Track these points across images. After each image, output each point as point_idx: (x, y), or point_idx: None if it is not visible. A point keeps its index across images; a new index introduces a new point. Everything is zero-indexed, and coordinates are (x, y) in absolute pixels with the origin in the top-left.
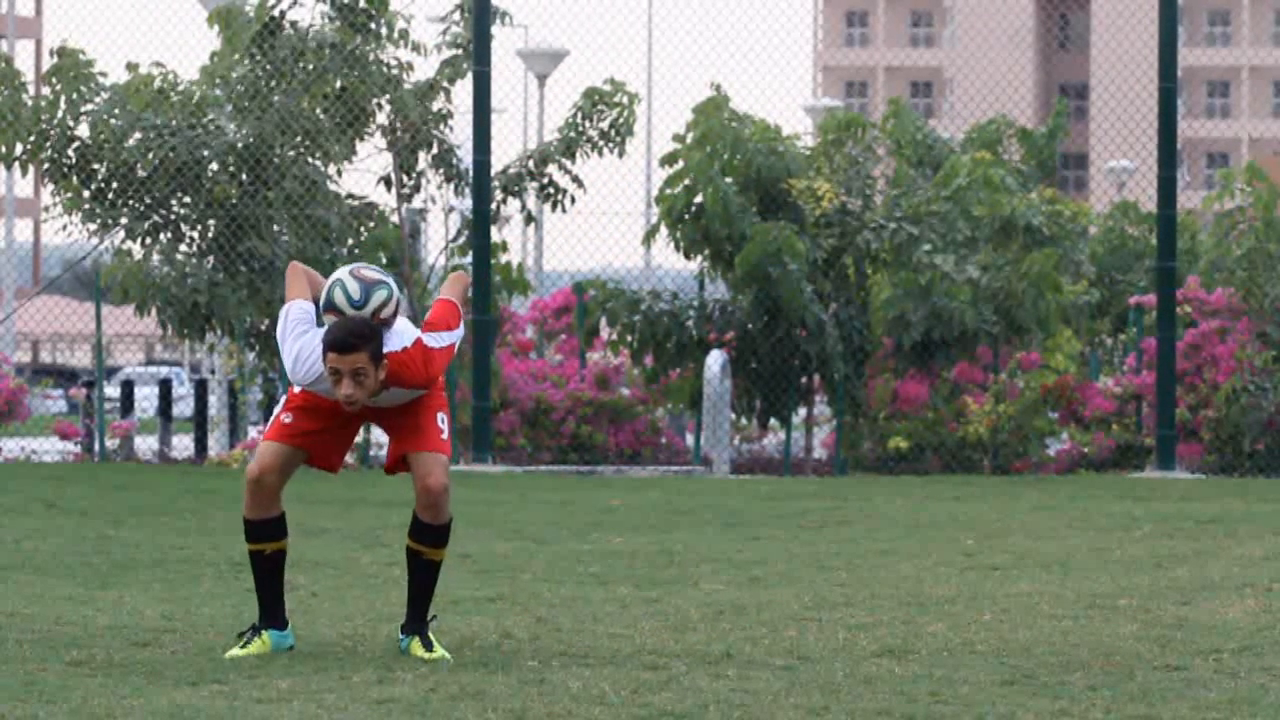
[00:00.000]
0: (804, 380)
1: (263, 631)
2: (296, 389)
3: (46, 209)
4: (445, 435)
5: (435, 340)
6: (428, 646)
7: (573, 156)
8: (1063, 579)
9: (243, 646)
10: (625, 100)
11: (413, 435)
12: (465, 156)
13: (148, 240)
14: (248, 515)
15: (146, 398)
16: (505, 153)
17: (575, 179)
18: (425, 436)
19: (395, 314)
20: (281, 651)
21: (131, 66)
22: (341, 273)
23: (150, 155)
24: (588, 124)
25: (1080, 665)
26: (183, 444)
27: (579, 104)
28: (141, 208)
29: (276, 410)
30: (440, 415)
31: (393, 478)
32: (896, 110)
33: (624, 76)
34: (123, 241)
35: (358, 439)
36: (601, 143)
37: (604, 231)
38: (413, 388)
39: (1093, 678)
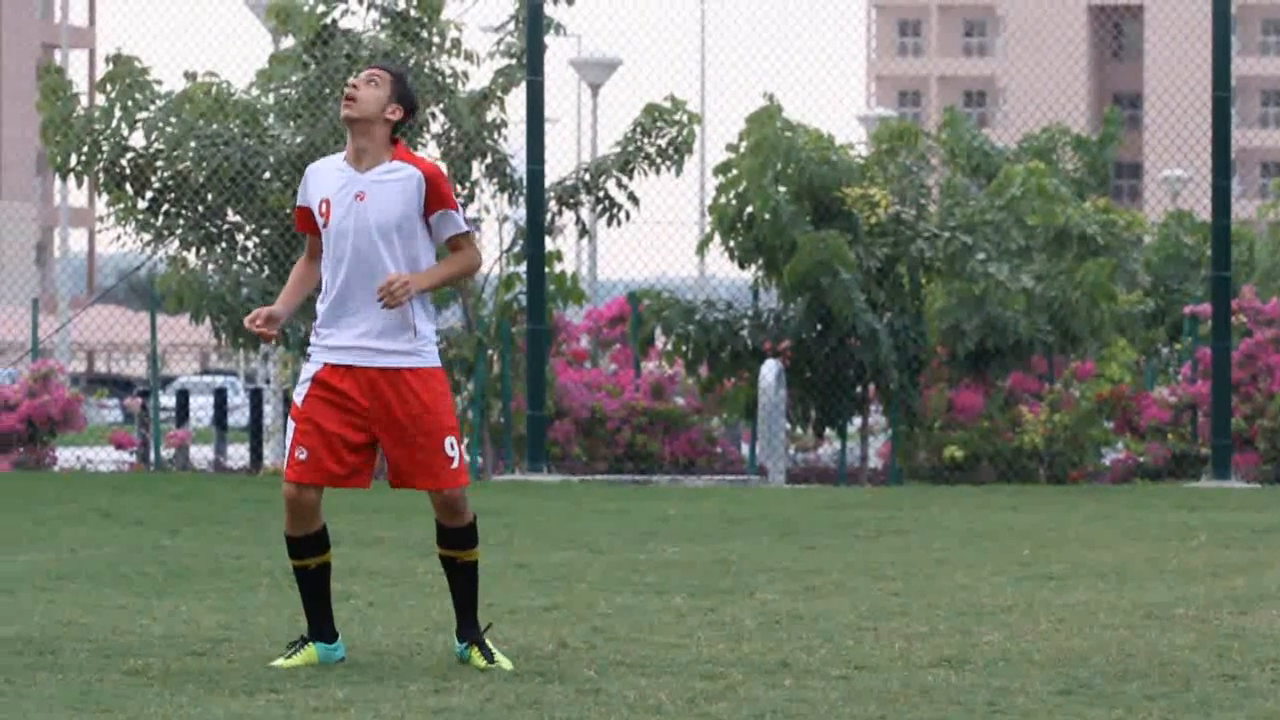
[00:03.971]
0: (859, 389)
1: (310, 643)
2: (298, 399)
3: (101, 219)
4: (455, 464)
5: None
6: (488, 657)
7: (630, 173)
8: (1119, 588)
9: (288, 657)
10: (685, 119)
11: (424, 474)
12: (519, 166)
13: (202, 250)
14: (288, 532)
15: (202, 407)
16: (559, 162)
17: (631, 195)
18: (435, 474)
19: None
20: (330, 664)
21: (189, 75)
22: None
23: (204, 164)
24: (646, 140)
25: (1137, 675)
26: (238, 453)
27: (639, 120)
28: (195, 217)
29: (290, 437)
30: (449, 441)
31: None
32: (952, 119)
33: (677, 86)
34: (177, 251)
35: None
36: (659, 160)
37: (658, 241)
38: (411, 164)
39: (1149, 687)
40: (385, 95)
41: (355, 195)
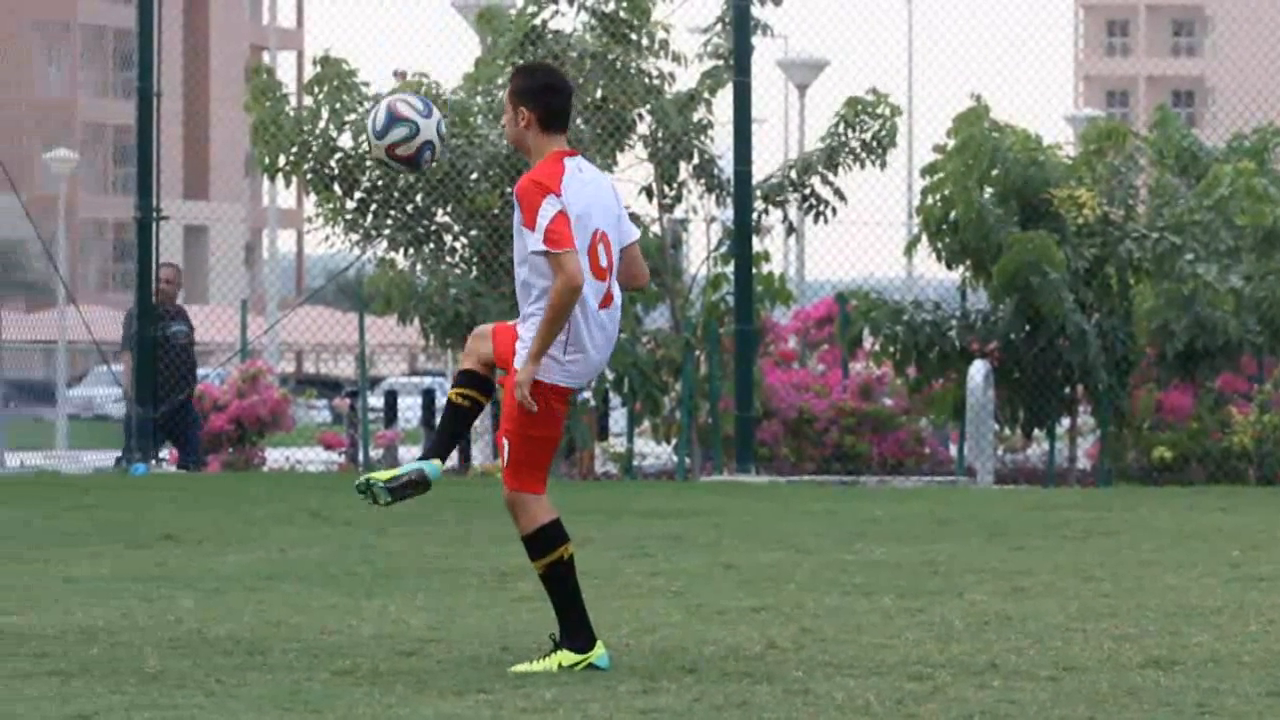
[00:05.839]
0: (1067, 390)
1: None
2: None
3: (309, 220)
4: (505, 462)
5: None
6: (544, 654)
7: (835, 168)
8: None
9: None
10: (887, 112)
11: None
12: (726, 167)
13: (410, 250)
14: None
15: (410, 408)
16: (766, 163)
17: (837, 191)
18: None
19: (421, 155)
20: (436, 479)
21: (398, 75)
22: (387, 98)
23: None
24: (850, 134)
25: None
26: None
27: (841, 113)
28: (404, 218)
29: None
30: (504, 441)
31: (654, 488)
32: (1163, 118)
33: (884, 86)
34: (385, 251)
35: (621, 449)
36: (863, 154)
37: (866, 241)
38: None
39: None
40: (512, 111)
41: None
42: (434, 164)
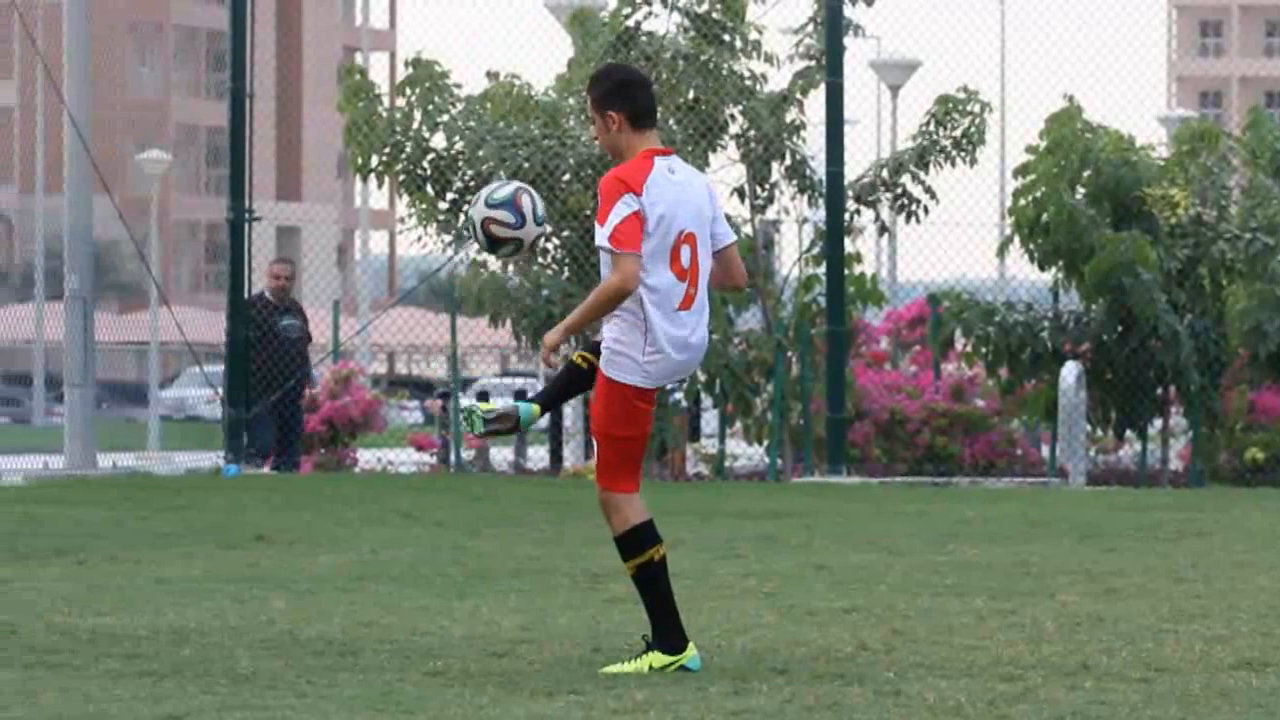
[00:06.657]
0: (1159, 391)
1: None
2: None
3: (402, 221)
4: (593, 461)
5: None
6: (635, 655)
7: (926, 166)
8: None
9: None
10: (977, 109)
11: None
12: (818, 168)
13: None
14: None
15: None
16: (858, 164)
17: (928, 190)
18: None
19: (503, 245)
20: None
21: (491, 75)
22: (522, 184)
23: (505, 165)
24: (940, 132)
25: None
26: (538, 455)
27: (932, 111)
28: None
29: None
30: (595, 442)
31: (746, 489)
32: (1256, 119)
33: (977, 86)
34: (478, 252)
35: (712, 450)
36: (954, 152)
37: (958, 242)
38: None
39: None
40: (600, 119)
41: None
42: (503, 258)
